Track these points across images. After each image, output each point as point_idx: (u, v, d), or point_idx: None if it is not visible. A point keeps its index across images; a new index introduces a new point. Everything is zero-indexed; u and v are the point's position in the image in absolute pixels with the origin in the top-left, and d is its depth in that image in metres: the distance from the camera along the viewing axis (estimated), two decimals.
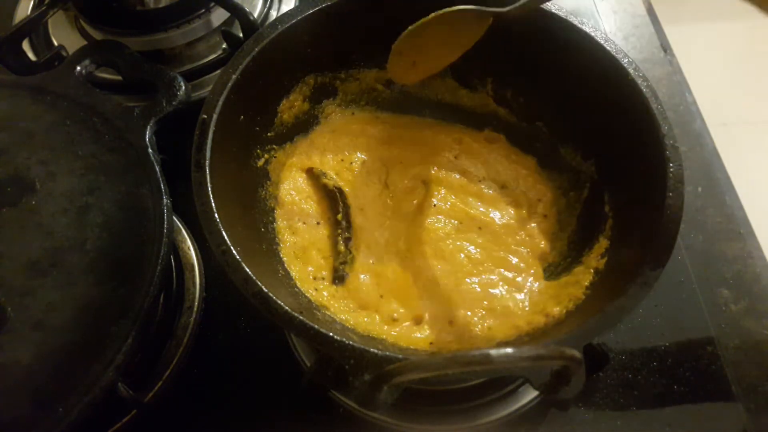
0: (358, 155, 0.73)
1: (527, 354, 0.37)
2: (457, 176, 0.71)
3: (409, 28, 0.62)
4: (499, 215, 0.69)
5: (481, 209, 0.69)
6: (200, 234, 0.55)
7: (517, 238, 0.67)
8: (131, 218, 0.60)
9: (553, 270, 0.65)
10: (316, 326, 0.46)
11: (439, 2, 0.61)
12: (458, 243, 0.66)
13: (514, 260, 0.65)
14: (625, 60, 0.58)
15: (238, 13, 0.76)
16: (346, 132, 0.74)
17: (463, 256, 0.65)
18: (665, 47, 0.91)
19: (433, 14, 0.61)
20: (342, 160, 0.72)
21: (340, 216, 0.66)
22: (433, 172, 0.71)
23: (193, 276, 0.70)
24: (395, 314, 0.61)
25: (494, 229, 0.67)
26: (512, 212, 0.69)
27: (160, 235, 0.58)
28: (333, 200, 0.68)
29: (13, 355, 0.52)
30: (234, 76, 0.59)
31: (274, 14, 0.90)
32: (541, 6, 0.62)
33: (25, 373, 0.52)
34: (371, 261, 0.65)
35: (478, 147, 0.74)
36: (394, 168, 0.72)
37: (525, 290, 0.63)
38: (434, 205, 0.68)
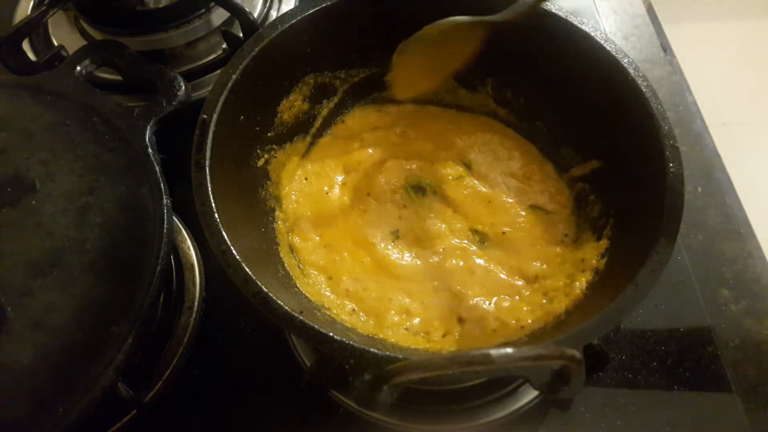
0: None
1: (527, 354, 0.37)
2: (477, 182, 0.70)
3: (402, 43, 0.61)
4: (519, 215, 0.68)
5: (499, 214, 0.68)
6: (200, 234, 0.55)
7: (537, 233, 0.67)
8: (131, 218, 0.60)
9: None
10: (316, 326, 0.46)
11: (438, 2, 0.61)
12: (473, 248, 0.65)
13: (532, 256, 0.65)
14: (625, 60, 0.58)
15: (238, 13, 0.76)
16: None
17: (476, 258, 0.65)
18: (665, 47, 0.91)
19: (425, 28, 0.60)
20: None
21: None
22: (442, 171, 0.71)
23: (193, 276, 0.70)
24: (401, 316, 0.61)
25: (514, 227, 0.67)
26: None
27: (160, 235, 0.58)
28: None
29: (13, 355, 0.52)
30: (234, 76, 0.59)
31: (274, 14, 0.90)
32: (541, 6, 0.62)
33: (25, 373, 0.52)
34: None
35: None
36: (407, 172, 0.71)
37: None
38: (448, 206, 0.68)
